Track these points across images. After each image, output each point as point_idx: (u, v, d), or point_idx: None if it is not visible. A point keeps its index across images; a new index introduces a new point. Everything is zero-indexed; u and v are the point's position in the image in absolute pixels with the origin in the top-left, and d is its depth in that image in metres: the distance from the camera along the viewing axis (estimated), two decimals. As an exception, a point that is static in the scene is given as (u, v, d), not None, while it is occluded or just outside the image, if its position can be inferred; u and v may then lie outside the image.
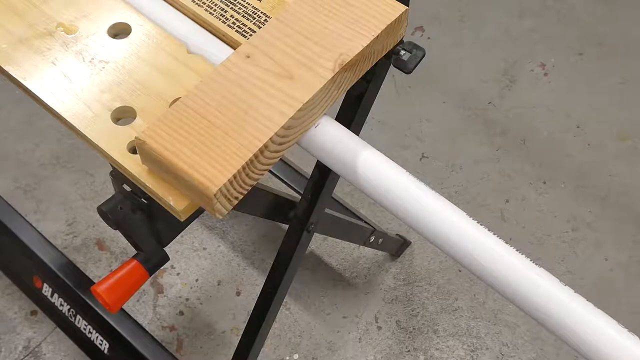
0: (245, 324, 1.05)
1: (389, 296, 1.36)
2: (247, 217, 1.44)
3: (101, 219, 0.69)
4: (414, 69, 0.60)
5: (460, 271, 1.38)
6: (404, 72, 0.60)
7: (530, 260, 0.51)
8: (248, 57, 0.55)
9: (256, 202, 0.94)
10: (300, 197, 0.91)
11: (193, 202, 0.52)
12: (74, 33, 0.61)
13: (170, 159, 0.50)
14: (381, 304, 1.35)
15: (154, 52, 0.59)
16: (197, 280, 1.36)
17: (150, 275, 0.68)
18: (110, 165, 0.58)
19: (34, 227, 1.15)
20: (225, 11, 0.61)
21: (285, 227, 0.96)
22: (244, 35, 0.60)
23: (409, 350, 1.29)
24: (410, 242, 1.41)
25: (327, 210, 1.00)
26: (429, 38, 1.76)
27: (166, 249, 0.72)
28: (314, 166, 0.85)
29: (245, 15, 0.61)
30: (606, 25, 1.76)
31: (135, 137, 0.51)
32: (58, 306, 1.12)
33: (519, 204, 1.47)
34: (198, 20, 0.62)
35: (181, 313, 1.32)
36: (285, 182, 1.28)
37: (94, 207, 1.41)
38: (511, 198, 1.48)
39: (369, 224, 1.27)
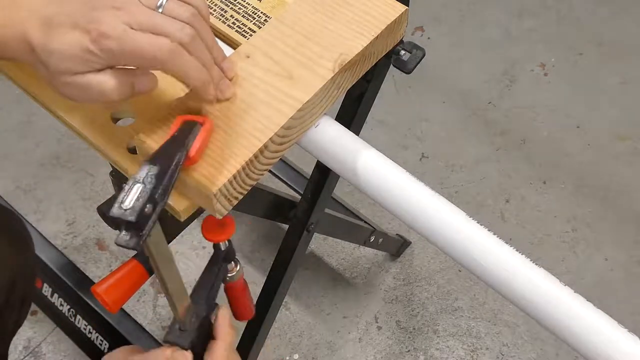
0: (245, 324, 1.05)
1: (389, 296, 1.36)
2: (247, 217, 1.43)
3: (101, 219, 0.69)
4: (413, 69, 0.60)
5: (460, 271, 1.38)
6: (403, 72, 0.60)
7: (530, 260, 0.51)
8: (248, 57, 0.55)
9: (256, 202, 0.94)
10: (300, 197, 0.91)
11: (193, 202, 0.52)
12: (74, 33, 0.60)
13: (170, 159, 0.50)
14: (381, 304, 1.35)
15: (154, 52, 0.59)
16: (197, 280, 1.36)
17: (150, 275, 0.68)
18: (110, 165, 0.58)
19: (34, 227, 1.15)
20: (225, 11, 0.61)
21: (285, 227, 0.96)
22: (243, 35, 0.60)
23: (409, 350, 1.29)
24: (410, 242, 1.41)
25: (327, 210, 1.00)
26: (429, 38, 1.76)
27: (166, 249, 0.72)
28: (314, 166, 0.85)
29: (245, 15, 0.61)
30: (606, 25, 1.76)
31: (135, 137, 0.51)
32: (58, 306, 1.12)
33: (519, 204, 1.47)
34: (198, 20, 0.62)
35: (181, 313, 1.32)
36: (285, 182, 1.28)
37: (94, 207, 1.41)
38: (511, 198, 1.48)
39: (369, 224, 1.27)
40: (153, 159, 0.45)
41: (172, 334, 0.57)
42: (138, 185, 0.43)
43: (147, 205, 0.43)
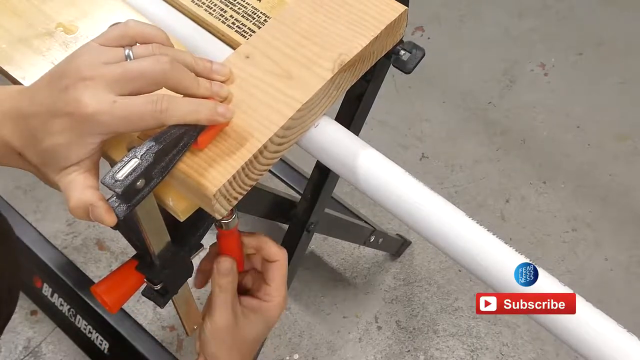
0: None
1: (389, 296, 1.36)
2: (247, 217, 1.43)
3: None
4: (413, 69, 0.60)
5: (460, 271, 1.38)
6: (403, 72, 0.60)
7: (530, 261, 0.51)
8: (247, 57, 0.55)
9: (256, 202, 0.94)
10: (300, 197, 0.91)
11: (192, 203, 0.52)
12: (73, 33, 0.60)
13: (170, 159, 0.50)
14: (381, 304, 1.35)
15: (153, 52, 0.59)
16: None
17: (150, 276, 0.68)
18: (110, 165, 0.58)
19: (34, 227, 1.15)
20: (225, 11, 0.61)
21: (285, 227, 0.96)
22: (243, 36, 0.60)
23: (409, 350, 1.29)
24: (410, 242, 1.41)
25: (327, 210, 1.00)
26: (429, 38, 1.76)
27: (166, 249, 0.72)
28: (314, 166, 0.85)
29: (245, 15, 0.61)
30: (606, 25, 1.76)
31: (136, 137, 0.51)
32: (58, 306, 1.12)
33: (519, 204, 1.47)
34: (197, 21, 0.62)
35: (181, 313, 1.32)
36: (285, 182, 1.28)
37: (94, 207, 1.41)
38: (511, 198, 1.48)
39: (369, 224, 1.27)
40: (158, 137, 0.46)
41: (144, 266, 0.60)
42: (135, 160, 0.45)
43: (140, 180, 0.45)
